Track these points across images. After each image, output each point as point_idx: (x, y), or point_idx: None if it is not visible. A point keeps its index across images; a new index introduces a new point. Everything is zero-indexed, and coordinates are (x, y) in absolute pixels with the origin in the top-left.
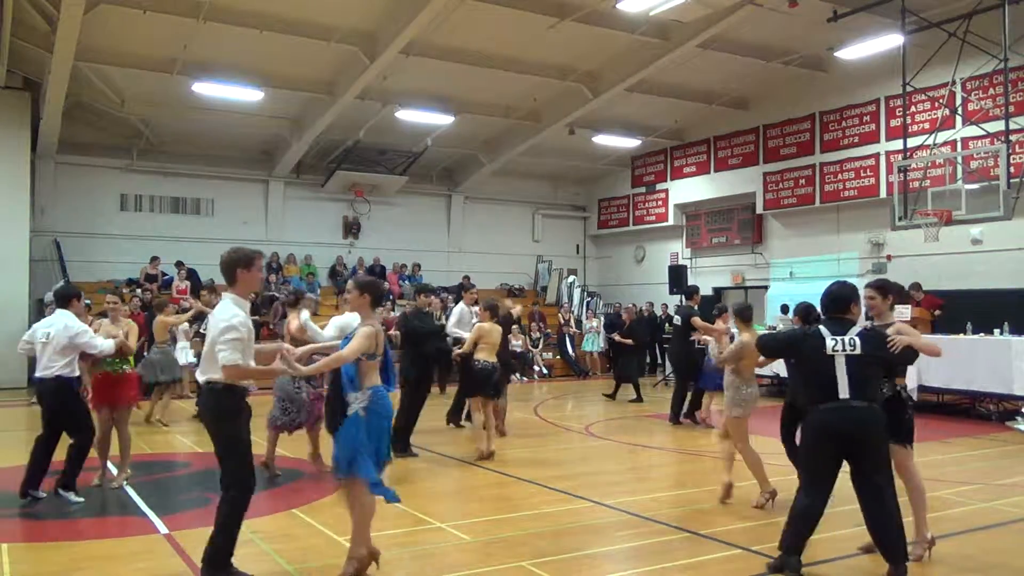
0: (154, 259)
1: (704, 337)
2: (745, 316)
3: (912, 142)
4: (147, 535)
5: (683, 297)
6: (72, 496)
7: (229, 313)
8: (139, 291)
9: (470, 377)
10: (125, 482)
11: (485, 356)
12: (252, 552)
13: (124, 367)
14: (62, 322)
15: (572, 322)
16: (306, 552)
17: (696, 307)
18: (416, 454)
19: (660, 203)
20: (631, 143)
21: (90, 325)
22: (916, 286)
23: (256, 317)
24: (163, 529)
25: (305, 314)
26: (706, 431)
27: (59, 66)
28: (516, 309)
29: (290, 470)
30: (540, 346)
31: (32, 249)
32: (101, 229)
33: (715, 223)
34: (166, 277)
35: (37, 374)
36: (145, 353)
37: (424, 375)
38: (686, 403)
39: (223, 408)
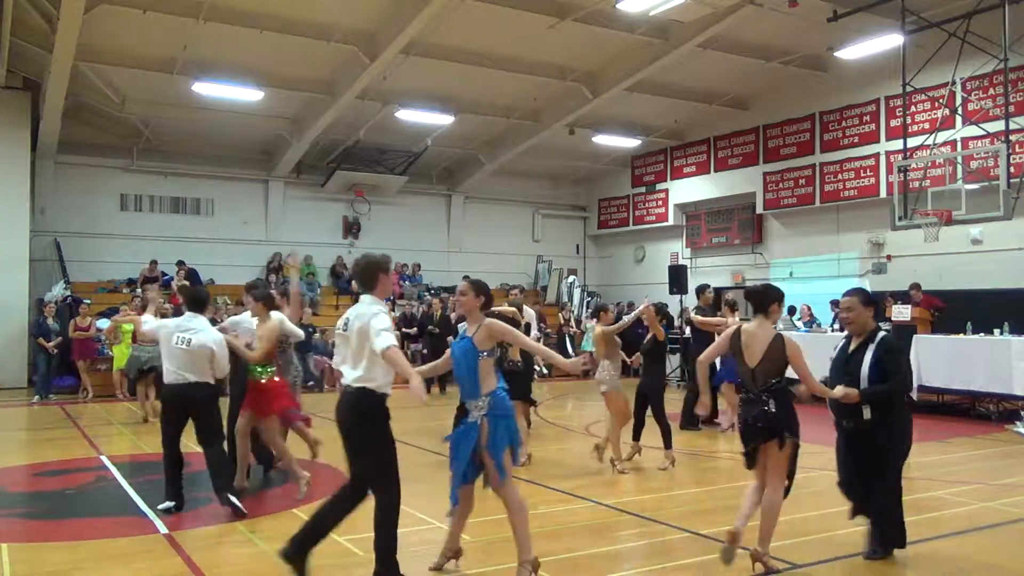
0: (152, 263)
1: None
2: (596, 312)
3: (912, 142)
4: (147, 535)
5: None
6: None
7: (376, 308)
8: (139, 291)
9: None
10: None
11: None
12: (252, 552)
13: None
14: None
15: (572, 322)
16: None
17: (706, 307)
18: None
19: (660, 203)
20: (631, 143)
21: (88, 326)
22: (916, 286)
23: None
24: (163, 529)
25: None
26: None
27: (59, 66)
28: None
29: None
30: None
31: (32, 249)
32: (101, 229)
33: (715, 223)
34: (166, 277)
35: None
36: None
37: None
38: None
39: (363, 411)
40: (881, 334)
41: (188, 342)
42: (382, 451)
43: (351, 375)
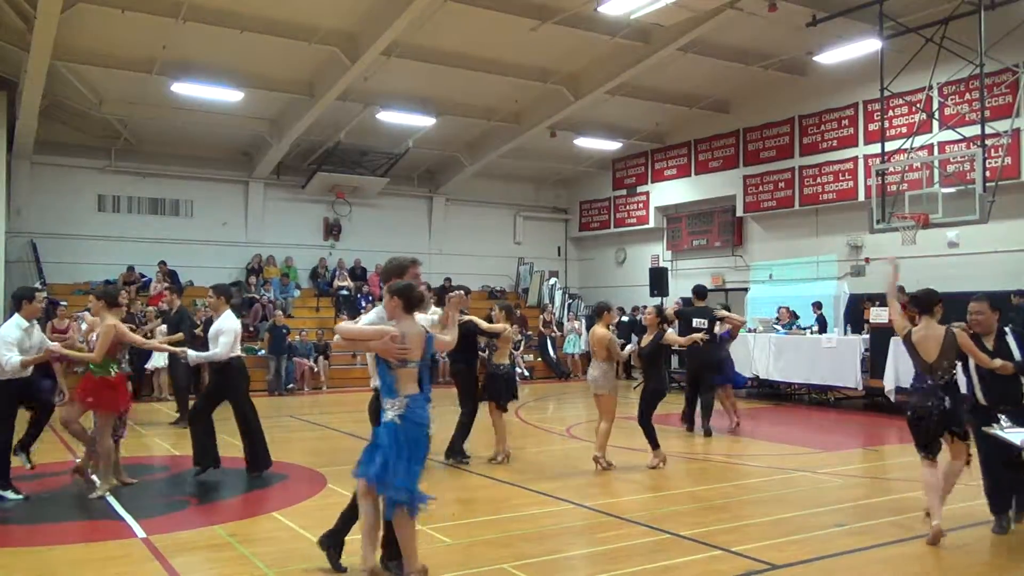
0: (129, 268)
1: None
2: (600, 312)
3: (890, 146)
4: (124, 539)
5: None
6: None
7: (374, 314)
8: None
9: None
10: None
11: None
12: (231, 555)
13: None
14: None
15: (553, 324)
16: (286, 555)
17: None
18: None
19: (641, 205)
20: (612, 145)
21: (66, 328)
22: (900, 288)
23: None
24: (140, 533)
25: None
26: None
27: (36, 65)
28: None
29: (270, 474)
30: (521, 348)
31: (8, 250)
32: (78, 230)
33: (696, 225)
34: (144, 279)
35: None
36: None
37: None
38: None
39: (371, 409)
40: (1008, 327)
41: None
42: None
43: None
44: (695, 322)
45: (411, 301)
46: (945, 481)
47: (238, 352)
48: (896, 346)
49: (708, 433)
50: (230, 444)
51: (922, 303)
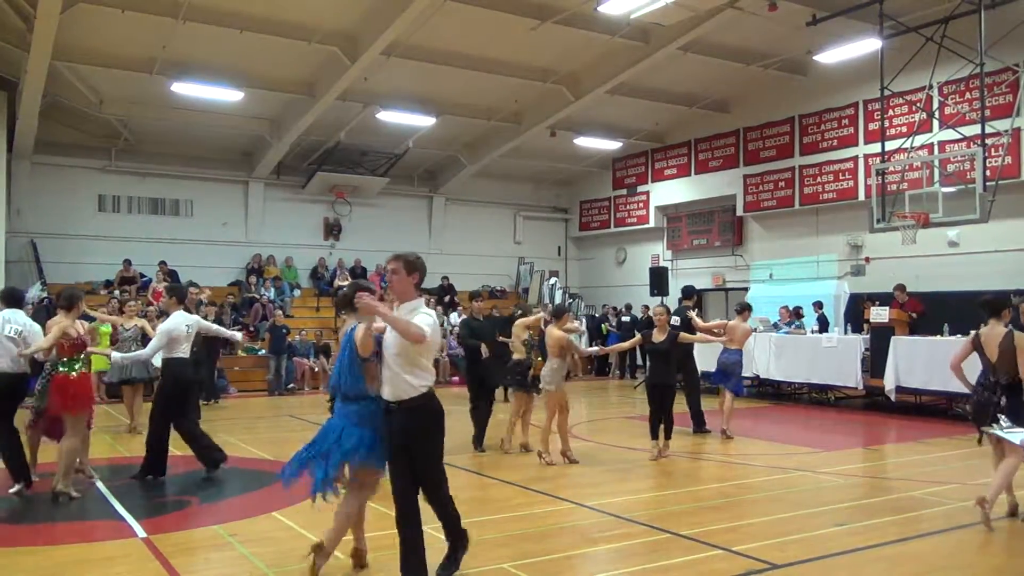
0: (126, 262)
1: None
2: (558, 313)
3: (890, 145)
4: (124, 539)
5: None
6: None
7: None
8: (116, 293)
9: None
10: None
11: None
12: (230, 555)
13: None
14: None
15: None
16: (285, 555)
17: (694, 307)
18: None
19: (641, 205)
20: (612, 145)
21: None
22: (900, 287)
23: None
24: (141, 533)
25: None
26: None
27: (36, 65)
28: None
29: (270, 473)
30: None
31: (8, 250)
32: (78, 230)
33: (696, 225)
34: (144, 278)
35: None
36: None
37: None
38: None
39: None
40: None
41: (19, 333)
42: None
43: None
44: (673, 319)
45: (338, 302)
46: (1002, 478)
47: (180, 355)
48: (896, 346)
49: (696, 431)
50: (231, 444)
51: (991, 307)
